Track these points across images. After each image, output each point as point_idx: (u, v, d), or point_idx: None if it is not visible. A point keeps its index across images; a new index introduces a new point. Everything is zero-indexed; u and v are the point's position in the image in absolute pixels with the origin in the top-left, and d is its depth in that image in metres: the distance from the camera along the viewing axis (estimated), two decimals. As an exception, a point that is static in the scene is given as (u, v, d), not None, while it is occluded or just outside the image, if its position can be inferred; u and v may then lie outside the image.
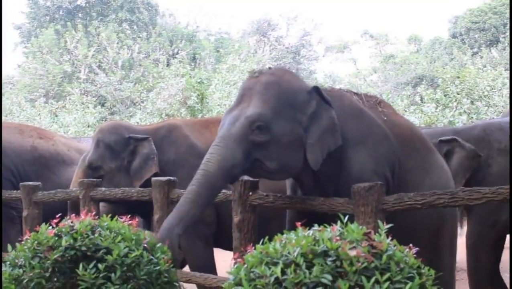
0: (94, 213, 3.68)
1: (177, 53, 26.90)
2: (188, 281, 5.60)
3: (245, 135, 4.23)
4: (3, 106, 23.81)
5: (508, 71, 19.20)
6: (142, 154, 6.07)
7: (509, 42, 20.86)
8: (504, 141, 5.79)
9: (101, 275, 3.18)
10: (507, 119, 6.47)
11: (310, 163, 4.30)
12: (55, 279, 3.26)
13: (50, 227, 3.41)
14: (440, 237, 4.67)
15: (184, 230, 4.31)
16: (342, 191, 4.29)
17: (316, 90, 4.44)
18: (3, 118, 19.43)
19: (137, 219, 3.75)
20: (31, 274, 3.24)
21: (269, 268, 2.59)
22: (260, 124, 4.22)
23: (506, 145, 5.73)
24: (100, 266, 3.20)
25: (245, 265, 2.72)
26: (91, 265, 3.20)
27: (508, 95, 17.79)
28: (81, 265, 3.20)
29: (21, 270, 3.29)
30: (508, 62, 20.32)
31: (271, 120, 4.24)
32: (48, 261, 3.24)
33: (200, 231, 5.76)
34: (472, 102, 17.46)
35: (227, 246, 5.27)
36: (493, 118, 13.65)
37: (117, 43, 26.62)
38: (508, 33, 22.83)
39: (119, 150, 6.15)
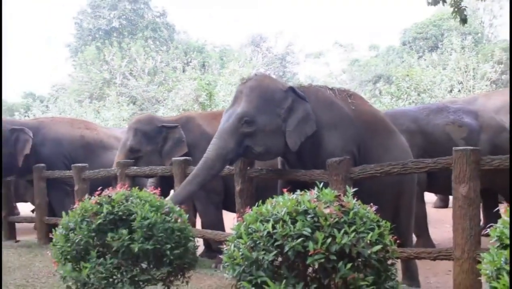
0: (127, 186, 3.65)
1: (190, 62, 26.70)
2: (202, 236, 5.62)
3: (236, 128, 4.37)
4: (58, 107, 23.78)
5: (446, 70, 19.17)
6: (174, 139, 6.08)
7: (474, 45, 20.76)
8: (406, 124, 5.96)
9: (126, 238, 3.17)
10: (410, 107, 6.58)
11: (290, 146, 4.37)
12: (99, 237, 3.25)
13: (93, 198, 3.40)
14: (399, 199, 4.67)
15: (186, 200, 4.57)
16: (319, 165, 4.31)
17: (291, 89, 4.49)
18: (58, 115, 19.35)
19: (159, 189, 3.72)
20: (80, 234, 3.24)
21: (263, 224, 2.59)
22: (246, 118, 4.35)
23: (407, 126, 5.91)
24: (124, 231, 3.19)
25: (244, 223, 2.72)
26: (120, 230, 3.19)
27: (445, 88, 17.78)
28: (109, 234, 3.18)
29: (72, 232, 3.29)
30: (446, 63, 20.23)
31: (255, 115, 4.34)
32: (93, 225, 3.24)
33: (212, 198, 5.77)
34: (418, 94, 17.46)
35: (232, 209, 5.30)
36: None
37: (144, 55, 26.42)
38: (445, 41, 22.71)
39: (154, 137, 6.14)
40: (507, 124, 6.33)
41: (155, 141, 6.15)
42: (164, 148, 6.11)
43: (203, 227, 5.95)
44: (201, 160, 4.50)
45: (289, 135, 4.36)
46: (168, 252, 3.25)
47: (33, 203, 8.37)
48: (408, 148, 4.98)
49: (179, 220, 3.39)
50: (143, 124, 6.23)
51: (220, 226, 5.80)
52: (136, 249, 3.14)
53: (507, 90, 9.96)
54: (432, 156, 4.20)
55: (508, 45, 21.70)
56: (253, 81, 4.50)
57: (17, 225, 8.40)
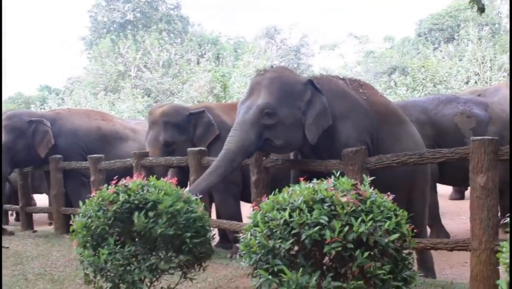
0: (143, 176, 3.67)
1: (205, 54, 26.73)
2: (217, 226, 5.64)
3: (257, 120, 4.28)
4: (73, 99, 23.96)
5: (462, 61, 18.98)
6: (204, 123, 6.06)
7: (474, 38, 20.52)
8: (415, 115, 5.94)
9: (151, 220, 3.19)
10: (420, 98, 6.53)
11: (308, 139, 4.33)
12: (115, 226, 3.28)
13: (110, 187, 3.42)
14: (412, 189, 4.66)
15: (206, 191, 4.46)
16: (334, 155, 4.29)
17: (310, 82, 4.45)
18: (74, 107, 19.50)
19: (176, 179, 3.73)
20: (97, 222, 3.27)
21: (279, 213, 2.59)
22: (268, 110, 4.27)
23: (416, 117, 5.89)
24: (150, 214, 3.21)
25: (261, 211, 2.72)
26: (142, 214, 3.22)
27: (462, 79, 17.61)
28: (136, 214, 3.21)
29: (89, 220, 3.32)
30: (462, 54, 20.02)
31: (276, 107, 4.27)
32: (110, 212, 3.26)
33: (231, 189, 5.73)
34: (434, 86, 17.32)
35: (250, 200, 5.30)
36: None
37: (158, 47, 26.51)
38: (461, 32, 22.47)
39: (185, 126, 6.09)
40: None
41: (187, 130, 6.09)
42: (195, 135, 6.08)
43: (220, 218, 5.96)
44: (222, 152, 4.42)
45: (308, 128, 4.32)
46: (188, 240, 3.27)
47: (48, 195, 8.46)
48: (420, 138, 4.97)
49: (200, 210, 3.42)
50: (172, 116, 6.14)
51: (237, 217, 5.81)
52: (158, 232, 3.16)
53: None
54: (441, 147, 4.18)
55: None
56: (273, 73, 4.44)
57: (34, 215, 8.50)
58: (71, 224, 3.42)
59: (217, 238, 6.12)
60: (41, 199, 10.08)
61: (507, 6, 27.25)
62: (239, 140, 4.32)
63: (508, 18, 27.43)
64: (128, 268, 3.20)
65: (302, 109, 4.33)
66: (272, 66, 4.69)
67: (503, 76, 17.63)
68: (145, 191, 3.36)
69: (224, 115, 6.20)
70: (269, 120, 4.28)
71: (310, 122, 4.32)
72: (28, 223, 8.14)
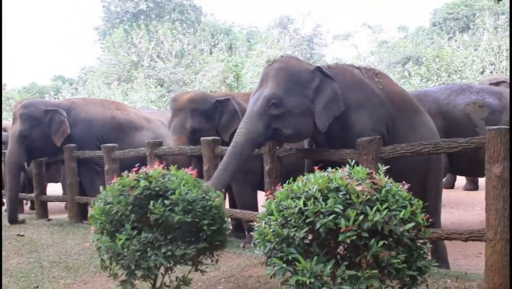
0: (164, 164, 3.69)
1: (217, 44, 26.71)
2: (230, 216, 5.63)
3: (264, 111, 4.29)
4: (87, 89, 24.09)
5: (478, 50, 18.79)
6: (229, 111, 6.00)
7: (483, 28, 20.29)
8: (427, 105, 5.83)
9: (167, 209, 3.21)
10: (433, 88, 6.47)
11: (319, 127, 4.32)
12: (134, 211, 3.31)
13: (131, 174, 3.45)
14: (426, 179, 4.63)
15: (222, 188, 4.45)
16: (349, 145, 4.28)
17: (319, 69, 4.43)
18: (88, 96, 19.61)
19: (196, 170, 3.75)
20: (118, 206, 3.30)
21: (294, 201, 2.59)
22: (274, 101, 4.27)
23: (428, 108, 5.76)
24: (166, 202, 3.23)
25: (275, 200, 2.72)
26: (159, 202, 3.24)
27: (477, 69, 17.44)
28: (152, 202, 3.23)
29: (109, 205, 3.34)
30: (478, 43, 19.81)
31: (283, 97, 4.28)
32: (131, 197, 3.29)
33: (249, 179, 5.63)
34: (449, 76, 17.18)
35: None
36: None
37: (171, 37, 26.54)
38: (477, 21, 22.21)
39: (211, 113, 6.01)
40: None
41: (213, 117, 6.01)
42: (220, 122, 6.02)
43: (237, 207, 5.97)
44: (231, 146, 4.44)
45: (317, 115, 4.31)
46: (205, 228, 3.29)
47: (62, 184, 8.54)
48: (434, 127, 4.94)
49: (216, 199, 3.43)
50: (199, 103, 6.04)
51: (254, 207, 5.79)
52: (176, 219, 3.18)
53: None
54: (451, 137, 4.15)
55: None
56: (279, 63, 4.44)
57: (49, 204, 8.59)
58: (86, 212, 3.45)
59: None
60: (56, 189, 10.18)
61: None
62: (247, 133, 4.34)
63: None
64: (144, 254, 3.22)
65: (311, 96, 4.32)
66: (281, 56, 4.66)
67: (519, 66, 17.43)
68: (166, 179, 3.38)
69: (245, 104, 6.18)
70: (276, 110, 4.28)
71: (320, 110, 4.31)
72: (43, 212, 8.22)
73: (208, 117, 6.01)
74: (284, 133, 4.36)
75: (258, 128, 4.32)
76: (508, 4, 23.92)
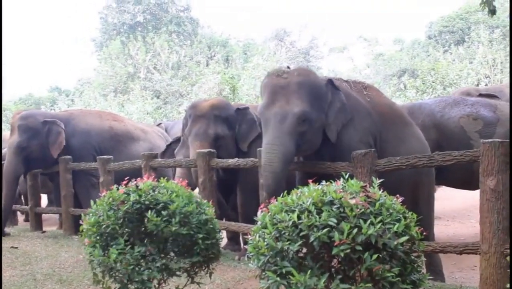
0: (153, 176, 3.68)
1: (214, 56, 26.81)
2: (225, 228, 5.62)
3: (295, 129, 4.19)
4: (83, 100, 24.09)
5: (473, 63, 18.90)
6: (248, 120, 5.96)
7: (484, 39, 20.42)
8: (421, 118, 5.93)
9: (164, 219, 3.21)
10: (428, 101, 6.53)
11: (330, 138, 4.32)
12: (126, 225, 3.29)
13: (121, 187, 3.44)
14: (417, 190, 4.64)
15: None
16: (337, 157, 4.30)
17: (330, 82, 4.44)
18: (84, 108, 19.59)
19: (187, 181, 3.73)
20: (108, 221, 3.28)
21: (288, 215, 2.58)
22: (304, 118, 4.20)
23: (422, 120, 5.89)
24: (163, 213, 3.23)
25: (269, 213, 2.71)
26: (153, 212, 3.24)
27: (472, 82, 17.54)
28: (149, 212, 3.23)
29: (100, 219, 3.33)
30: (473, 56, 19.93)
31: (310, 113, 4.22)
32: (120, 212, 3.27)
33: (257, 192, 5.37)
34: (444, 88, 17.26)
35: None
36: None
37: (168, 49, 26.62)
38: (472, 34, 22.35)
39: (232, 121, 5.97)
40: None
41: (233, 126, 5.96)
42: (240, 131, 5.96)
43: (233, 219, 5.95)
44: (269, 177, 4.20)
45: (328, 127, 4.31)
46: (199, 241, 3.28)
47: (55, 196, 8.49)
48: (424, 140, 4.98)
49: (209, 211, 3.44)
50: (222, 109, 5.98)
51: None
52: (172, 230, 3.18)
53: None
54: (445, 150, 4.17)
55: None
56: (299, 77, 4.33)
57: (44, 216, 8.55)
58: (81, 224, 3.44)
59: (224, 240, 6.13)
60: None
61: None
62: (284, 157, 4.18)
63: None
64: (137, 268, 3.20)
65: (326, 110, 4.33)
66: (288, 67, 4.58)
67: (514, 79, 17.53)
68: (156, 192, 3.37)
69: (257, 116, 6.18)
70: (303, 127, 4.22)
71: (331, 121, 4.32)
72: (37, 224, 8.18)
73: (229, 125, 5.96)
74: (302, 148, 4.31)
75: (291, 150, 4.21)
76: (502, 18, 24.16)
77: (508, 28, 24.62)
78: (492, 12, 7.13)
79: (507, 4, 25.91)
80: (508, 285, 2.11)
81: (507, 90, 7.70)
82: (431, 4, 49.81)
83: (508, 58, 18.49)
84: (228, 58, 27.99)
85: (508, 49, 19.79)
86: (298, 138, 4.22)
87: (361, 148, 4.21)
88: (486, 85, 17.52)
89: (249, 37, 35.66)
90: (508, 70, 18.11)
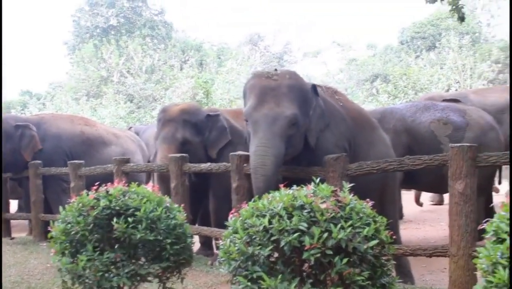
0: (124, 181, 3.65)
1: (188, 60, 26.71)
2: (198, 233, 5.58)
3: (285, 132, 4.13)
4: (55, 104, 23.75)
5: (443, 69, 19.21)
6: (218, 127, 5.95)
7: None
8: (392, 122, 6.02)
9: (130, 226, 3.17)
10: (399, 106, 6.64)
11: (311, 143, 4.30)
12: (95, 231, 3.25)
13: (91, 192, 3.39)
14: (383, 194, 4.69)
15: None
16: (313, 162, 4.30)
17: (313, 87, 4.43)
18: (55, 112, 19.31)
19: (158, 186, 3.71)
20: (77, 227, 3.23)
21: (259, 219, 2.58)
22: (294, 122, 4.16)
23: (394, 125, 5.98)
24: (129, 219, 3.19)
25: (240, 218, 2.71)
26: (122, 219, 3.19)
27: (443, 87, 17.83)
28: (115, 219, 3.19)
29: (69, 225, 3.28)
30: (443, 62, 20.26)
31: (299, 117, 4.18)
32: (90, 218, 3.23)
33: (229, 197, 5.26)
34: (415, 93, 17.50)
35: None
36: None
37: (142, 53, 26.41)
38: (443, 40, 22.73)
39: (202, 127, 5.95)
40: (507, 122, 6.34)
41: (203, 132, 5.94)
42: (209, 138, 5.94)
43: (207, 224, 5.92)
44: (260, 180, 4.05)
45: (310, 132, 4.29)
46: (168, 247, 3.25)
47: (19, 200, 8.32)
48: (389, 143, 5.06)
49: (180, 217, 3.41)
50: (192, 114, 5.98)
51: None
52: (138, 237, 3.14)
53: (499, 87, 10.05)
54: (416, 154, 4.22)
55: (507, 45, 21.79)
56: (290, 80, 4.28)
57: (13, 222, 8.38)
58: (49, 231, 3.38)
59: (197, 245, 6.09)
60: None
61: (487, 16, 27.71)
62: (275, 160, 4.07)
63: (487, 27, 27.85)
64: (106, 275, 3.16)
65: (310, 114, 4.30)
66: (276, 70, 4.48)
67: (483, 84, 17.88)
68: (126, 198, 3.33)
69: (232, 120, 6.17)
70: (292, 130, 4.17)
71: (312, 127, 4.30)
72: (5, 230, 8.02)
73: (198, 131, 5.95)
74: (287, 152, 4.23)
75: (282, 151, 4.12)
76: (472, 25, 24.62)
77: (477, 34, 25.14)
78: (461, 19, 7.28)
79: (476, 12, 26.48)
80: (474, 287, 2.14)
81: (473, 96, 7.88)
82: (403, 10, 50.51)
83: (477, 64, 18.86)
84: (202, 62, 27.92)
85: (477, 55, 20.19)
86: (286, 142, 4.16)
87: (337, 152, 4.23)
88: (456, 90, 17.84)
89: (223, 41, 35.58)
90: (476, 75, 18.47)
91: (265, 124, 4.11)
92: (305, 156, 4.37)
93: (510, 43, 9.21)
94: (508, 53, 21.18)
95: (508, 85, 12.50)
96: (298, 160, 4.40)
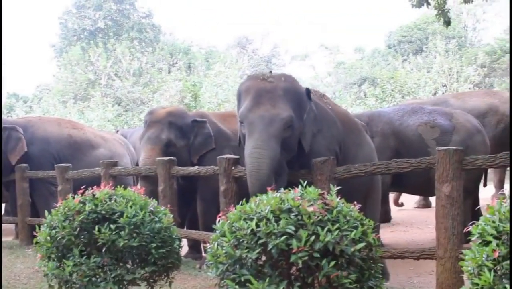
0: (110, 184, 3.62)
1: (176, 63, 26.63)
2: (186, 237, 5.56)
3: (281, 134, 4.10)
4: (42, 107, 23.56)
5: (430, 72, 19.35)
6: (203, 134, 5.94)
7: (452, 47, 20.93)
8: (380, 126, 6.07)
9: (113, 233, 3.15)
10: (387, 109, 6.71)
11: (304, 147, 4.28)
12: (81, 236, 3.23)
13: (76, 196, 3.37)
14: (368, 196, 4.72)
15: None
16: (306, 165, 4.30)
17: (307, 90, 4.42)
18: (42, 115, 19.17)
19: (144, 189, 3.69)
20: (63, 232, 3.21)
21: (246, 222, 2.58)
22: (289, 124, 4.13)
23: (381, 128, 6.03)
24: (112, 226, 3.16)
25: (228, 221, 2.71)
26: (106, 226, 3.17)
27: (429, 90, 17.95)
28: (97, 227, 3.16)
29: (54, 230, 3.26)
30: (430, 66, 20.41)
31: (294, 120, 4.16)
32: (76, 222, 3.21)
33: (217, 200, 5.20)
34: (403, 97, 17.60)
35: None
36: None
37: (129, 56, 26.29)
38: (429, 44, 22.91)
39: (188, 131, 5.94)
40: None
41: (188, 136, 5.94)
42: (193, 143, 5.94)
43: (195, 228, 5.90)
44: (256, 185, 3.96)
45: (304, 136, 4.27)
46: (153, 251, 3.23)
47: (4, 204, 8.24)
48: (373, 145, 5.12)
49: (166, 220, 3.38)
50: (178, 117, 5.99)
51: None
52: (121, 244, 3.11)
53: (480, 91, 10.19)
54: (403, 157, 4.25)
55: (493, 49, 22.01)
56: (285, 82, 4.28)
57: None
58: (35, 235, 3.35)
59: (186, 248, 6.07)
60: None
61: (473, 20, 27.97)
62: (271, 162, 4.01)
63: (473, 31, 28.12)
64: (93, 279, 3.14)
65: (304, 118, 4.29)
66: (271, 72, 4.48)
67: (469, 88, 18.03)
68: (112, 201, 3.31)
69: (220, 123, 6.17)
70: (287, 133, 4.14)
71: (306, 130, 4.28)
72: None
73: (183, 134, 5.95)
74: (281, 155, 4.18)
75: (278, 154, 4.07)
76: (458, 29, 24.84)
77: (463, 38, 25.37)
78: (447, 23, 7.36)
79: (462, 16, 26.71)
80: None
81: (453, 100, 7.97)
82: (391, 14, 50.77)
83: (463, 67, 19.02)
84: (190, 65, 27.84)
85: (463, 59, 20.36)
86: (281, 144, 4.12)
87: (329, 156, 4.23)
88: (443, 93, 17.96)
89: (211, 44, 35.57)
90: (463, 79, 18.61)
91: (261, 125, 4.08)
92: (298, 160, 4.36)
93: (510, 43, 9.30)
94: (494, 57, 21.41)
95: (490, 89, 12.69)
96: (291, 164, 4.37)
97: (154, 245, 3.24)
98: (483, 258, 2.08)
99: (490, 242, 2.10)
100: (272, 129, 4.05)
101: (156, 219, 3.34)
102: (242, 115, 4.20)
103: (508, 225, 2.06)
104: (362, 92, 19.93)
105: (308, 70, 32.10)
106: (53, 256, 3.24)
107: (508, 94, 8.52)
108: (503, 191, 8.85)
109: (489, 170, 8.16)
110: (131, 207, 3.27)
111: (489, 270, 2.03)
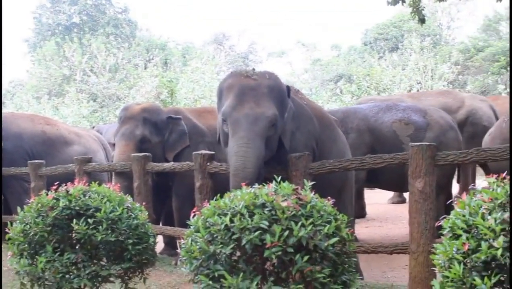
0: (84, 181, 3.59)
1: (152, 59, 26.44)
2: (161, 233, 5.53)
3: (266, 132, 4.06)
4: (15, 103, 23.19)
5: (405, 70, 19.55)
6: (178, 131, 5.93)
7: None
8: (355, 122, 6.14)
9: (90, 227, 3.12)
10: (362, 105, 6.78)
11: (286, 145, 4.25)
12: (55, 232, 3.19)
13: (50, 192, 3.33)
14: (342, 192, 4.75)
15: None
16: (282, 161, 4.30)
17: (288, 88, 4.40)
18: (16, 111, 18.87)
19: (119, 185, 3.66)
20: (36, 229, 3.17)
21: (220, 218, 2.58)
22: (274, 123, 4.09)
23: (357, 124, 6.12)
24: (89, 221, 3.14)
25: (202, 217, 2.70)
26: (82, 221, 3.14)
27: (405, 87, 18.15)
28: (74, 221, 3.13)
29: (28, 226, 3.21)
30: (405, 63, 20.62)
31: (277, 118, 4.12)
32: (49, 218, 3.17)
33: (192, 196, 5.14)
34: (378, 93, 17.74)
35: None
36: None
37: (105, 51, 25.99)
38: (405, 42, 23.13)
39: (162, 128, 5.94)
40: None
41: (163, 132, 5.94)
42: (168, 140, 5.93)
43: (171, 224, 5.88)
44: (241, 174, 3.91)
45: (284, 134, 4.24)
46: (129, 247, 3.21)
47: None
48: (345, 140, 5.16)
49: (142, 216, 3.37)
50: (153, 113, 5.98)
51: None
52: (99, 238, 3.09)
53: (434, 91, 10.40)
54: (378, 153, 4.29)
55: (466, 47, 22.33)
56: (269, 80, 4.22)
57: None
58: (7, 232, 3.30)
59: (161, 245, 6.05)
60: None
61: (447, 19, 28.34)
62: (256, 160, 3.96)
63: (448, 30, 28.49)
64: (67, 276, 3.11)
65: (285, 116, 4.26)
66: (253, 69, 4.41)
67: (443, 85, 18.26)
68: (86, 197, 3.28)
69: (195, 119, 6.15)
70: (271, 131, 4.10)
71: (287, 128, 4.26)
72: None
73: (158, 131, 5.94)
74: (265, 153, 4.15)
75: (262, 152, 4.03)
76: (432, 27, 25.13)
77: (438, 36, 25.68)
78: (422, 21, 7.43)
79: (437, 14, 27.03)
80: (432, 282, 2.19)
81: (409, 100, 8.11)
82: (367, 11, 51.20)
83: (438, 65, 19.25)
84: (167, 61, 27.66)
85: (438, 57, 20.61)
86: (266, 143, 4.09)
87: (306, 152, 4.24)
88: (418, 90, 18.16)
89: (188, 40, 35.39)
90: (437, 76, 18.84)
91: (246, 124, 4.02)
92: (277, 157, 4.32)
93: (510, 44, 9.47)
94: (467, 55, 21.73)
95: (445, 89, 12.94)
96: (268, 160, 4.35)
97: (130, 241, 3.22)
98: (453, 252, 2.11)
99: (460, 235, 2.14)
100: (257, 128, 4.01)
101: (133, 215, 3.32)
102: (226, 113, 4.13)
103: (477, 219, 2.09)
104: (338, 89, 20.04)
105: (285, 67, 32.13)
106: (25, 253, 3.20)
107: (461, 94, 8.81)
108: (474, 185, 8.99)
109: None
110: (105, 203, 3.24)
111: (459, 263, 2.06)
